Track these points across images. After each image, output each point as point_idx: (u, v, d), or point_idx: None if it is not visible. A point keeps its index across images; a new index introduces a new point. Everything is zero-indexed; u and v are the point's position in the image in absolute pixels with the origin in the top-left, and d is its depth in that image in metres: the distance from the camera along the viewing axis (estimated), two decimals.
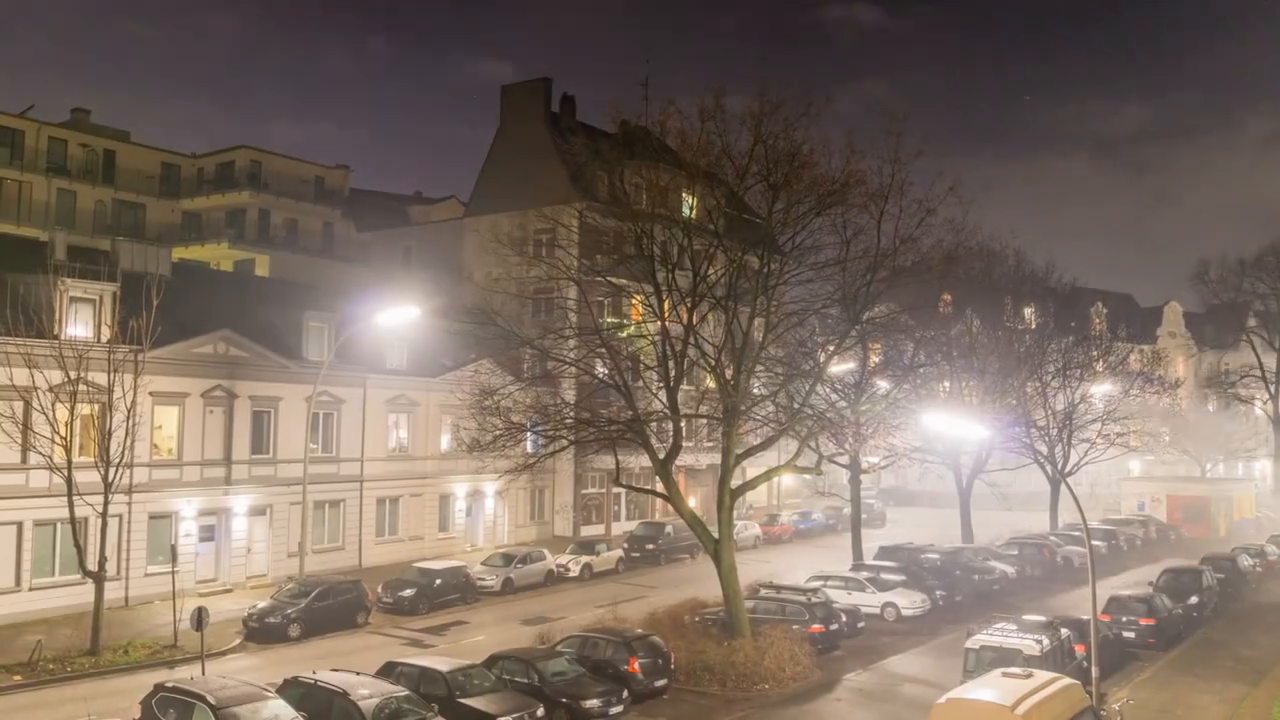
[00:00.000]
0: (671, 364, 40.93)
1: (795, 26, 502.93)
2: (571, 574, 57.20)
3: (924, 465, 67.48)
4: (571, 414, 43.91)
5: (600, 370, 45.10)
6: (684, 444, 43.29)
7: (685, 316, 40.65)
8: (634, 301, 46.74)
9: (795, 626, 40.05)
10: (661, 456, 41.11)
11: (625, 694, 32.83)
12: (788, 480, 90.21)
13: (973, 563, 56.45)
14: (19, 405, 39.92)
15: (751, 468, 58.17)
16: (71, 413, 37.91)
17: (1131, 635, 42.27)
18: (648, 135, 43.27)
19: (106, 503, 38.56)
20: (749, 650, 37.00)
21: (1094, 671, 31.21)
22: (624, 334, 48.48)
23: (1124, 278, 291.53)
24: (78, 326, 44.64)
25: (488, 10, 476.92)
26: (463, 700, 29.93)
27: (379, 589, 48.34)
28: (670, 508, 45.99)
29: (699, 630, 40.13)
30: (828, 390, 51.66)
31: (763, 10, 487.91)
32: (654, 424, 44.08)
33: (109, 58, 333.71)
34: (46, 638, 38.47)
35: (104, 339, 42.86)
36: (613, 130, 44.65)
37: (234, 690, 26.87)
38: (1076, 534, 64.51)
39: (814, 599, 43.06)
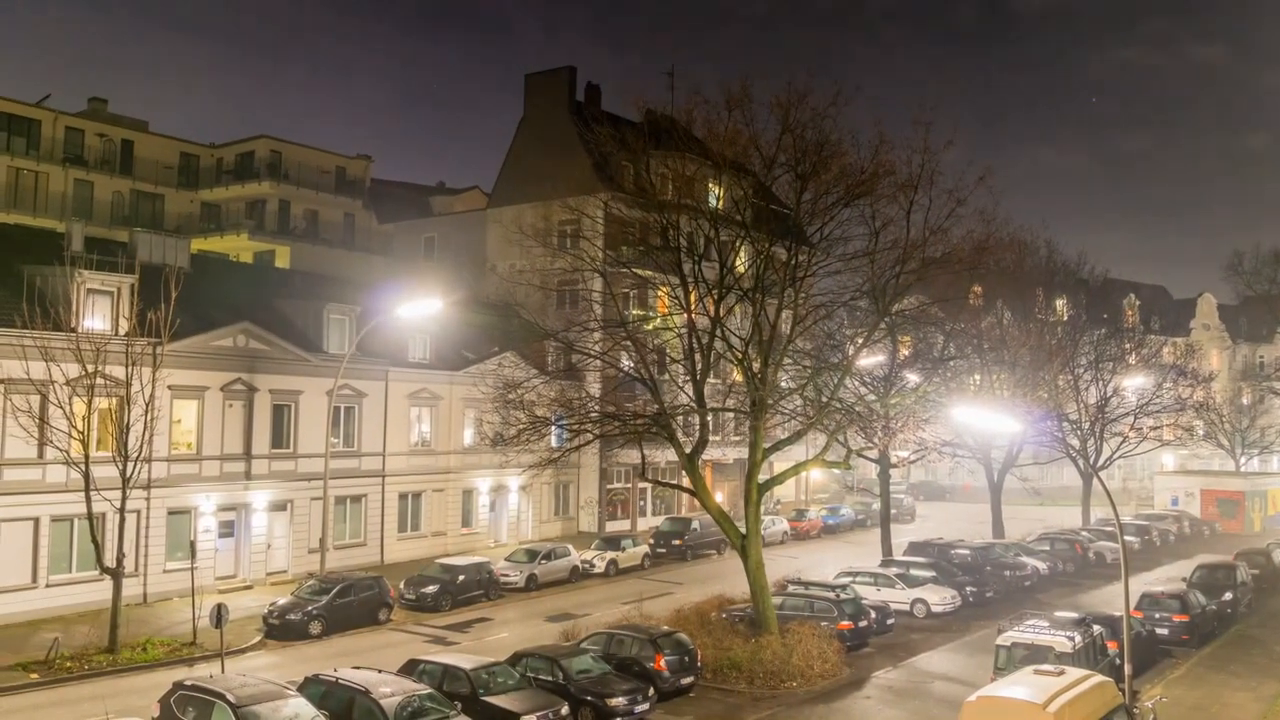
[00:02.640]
0: (698, 357, 40.66)
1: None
2: (596, 570, 56.73)
3: (954, 459, 67.07)
4: (596, 408, 43.69)
5: (626, 363, 44.91)
6: (711, 438, 43.04)
7: (712, 309, 40.33)
8: (660, 293, 46.51)
9: (824, 623, 39.80)
10: (688, 451, 40.64)
11: (651, 692, 32.51)
12: (816, 475, 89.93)
13: (1004, 558, 56.07)
14: (36, 399, 39.51)
15: (779, 462, 57.81)
16: (89, 406, 37.41)
17: (1165, 632, 41.80)
18: (674, 125, 42.80)
19: (124, 498, 38.12)
20: (776, 647, 36.68)
21: (1127, 669, 30.92)
22: (650, 326, 48.32)
23: (1157, 269, 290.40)
24: (95, 319, 44.24)
25: None
26: (486, 698, 29.61)
27: (401, 585, 47.90)
28: (697, 503, 45.56)
29: (726, 627, 39.84)
30: (856, 383, 51.34)
31: None
32: (680, 418, 43.79)
33: (127, 46, 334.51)
34: (64, 635, 38.15)
35: (122, 331, 42.66)
36: (638, 119, 44.28)
37: (254, 688, 26.50)
38: (1109, 529, 64.28)
39: (842, 595, 42.74)
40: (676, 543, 63.24)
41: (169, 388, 45.66)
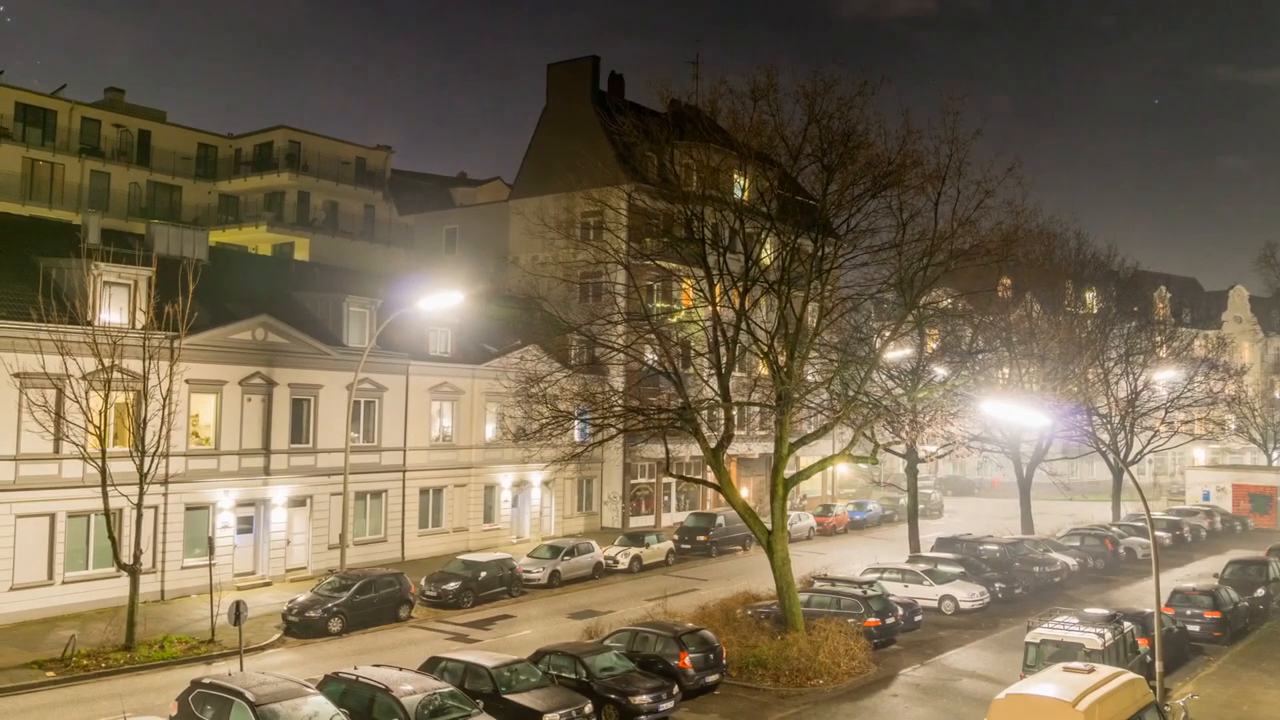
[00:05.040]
0: (723, 350, 40.47)
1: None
2: (620, 566, 56.32)
3: (983, 454, 66.82)
4: (620, 402, 43.46)
5: (650, 357, 44.85)
6: (736, 432, 42.85)
7: (737, 301, 40.00)
8: (684, 286, 46.20)
9: (850, 620, 39.52)
10: (713, 445, 40.42)
11: (676, 690, 32.26)
12: (843, 470, 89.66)
13: (1033, 554, 55.63)
14: (51, 393, 39.23)
15: (805, 457, 57.52)
16: (105, 401, 37.15)
17: (1196, 629, 41.54)
18: (698, 115, 42.43)
19: (141, 493, 37.81)
20: (803, 644, 36.38)
21: (1158, 666, 30.82)
22: (674, 319, 48.15)
23: (1188, 261, 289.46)
24: (112, 312, 43.87)
25: None
26: (508, 696, 29.40)
27: (422, 582, 47.63)
28: (722, 498, 45.24)
29: (751, 624, 39.58)
30: (884, 377, 51.06)
31: None
32: (705, 412, 43.62)
33: (144, 36, 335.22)
34: (80, 633, 38.00)
35: (139, 325, 42.28)
36: (662, 110, 44.01)
37: (273, 686, 26.31)
38: (1139, 524, 63.72)
39: (870, 592, 42.42)
40: (701, 538, 62.92)
41: (187, 382, 45.35)
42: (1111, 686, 23.63)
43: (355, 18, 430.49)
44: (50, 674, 34.52)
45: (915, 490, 58.77)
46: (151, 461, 37.82)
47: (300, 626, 41.42)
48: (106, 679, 34.65)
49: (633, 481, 72.70)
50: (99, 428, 36.91)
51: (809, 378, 44.06)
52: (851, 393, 42.86)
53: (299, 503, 52.20)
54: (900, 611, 42.23)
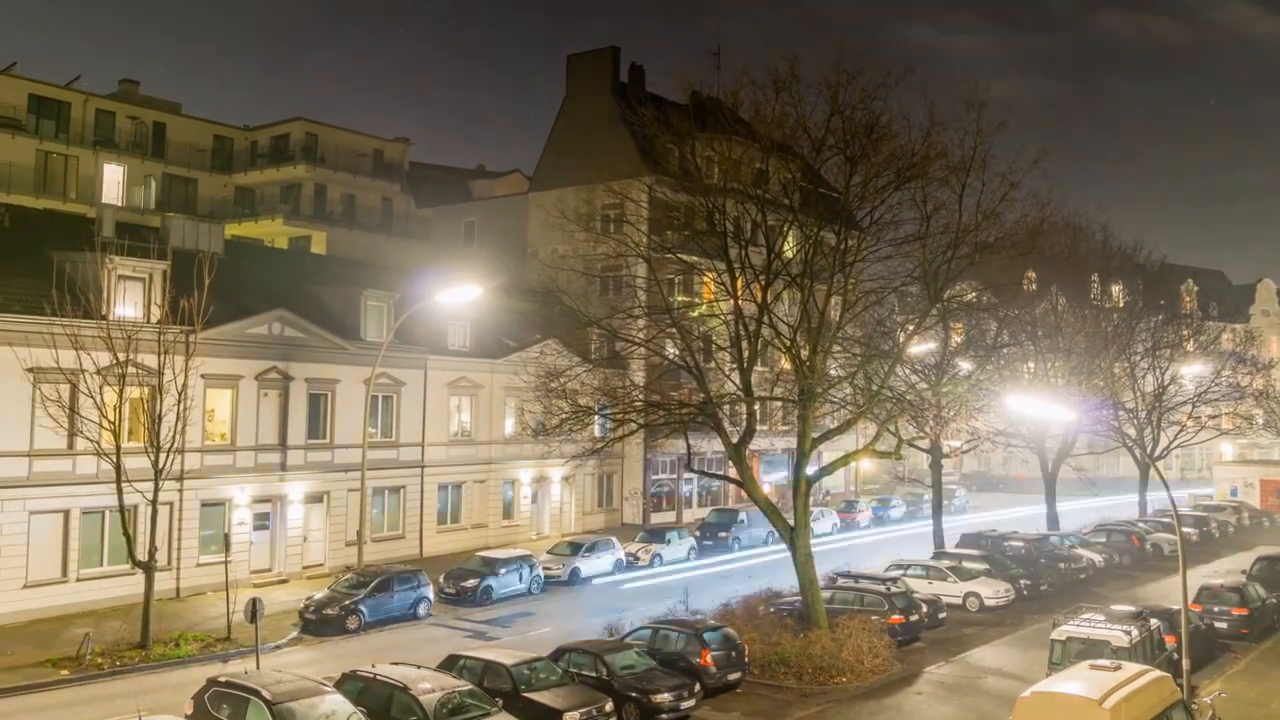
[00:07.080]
0: (745, 344, 40.18)
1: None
2: (641, 563, 55.99)
3: (1008, 449, 66.25)
4: (641, 396, 43.30)
5: (671, 351, 44.70)
6: (758, 428, 42.46)
7: (759, 295, 39.69)
8: (706, 279, 46.04)
9: (874, 617, 39.11)
10: (735, 440, 40.14)
11: (697, 687, 32.00)
12: (866, 465, 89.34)
13: (1058, 550, 55.24)
14: (65, 389, 38.98)
15: (828, 452, 57.02)
16: (120, 396, 36.90)
17: (1224, 626, 41.18)
18: (720, 106, 42.20)
19: (157, 490, 37.52)
20: (826, 642, 36.05)
21: (1185, 664, 30.42)
22: (695, 313, 48.09)
23: (1215, 253, 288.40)
24: (126, 306, 43.53)
25: None
26: (528, 694, 29.15)
27: (441, 579, 47.47)
28: (744, 494, 44.65)
29: (774, 621, 39.36)
30: (907, 371, 50.59)
31: None
32: (727, 407, 43.35)
33: (159, 27, 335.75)
34: (94, 630, 37.55)
35: (154, 319, 42.21)
36: (683, 101, 43.85)
37: (290, 685, 26.08)
38: (1166, 520, 63.33)
39: (893, 588, 42.10)
40: (723, 535, 62.72)
41: (202, 377, 45.11)
42: (1138, 684, 23.31)
43: (373, 9, 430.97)
44: (64, 672, 34.30)
45: (939, 486, 58.27)
46: (167, 457, 37.55)
47: (317, 624, 41.25)
48: (121, 677, 34.47)
49: (653, 477, 72.42)
50: (113, 423, 36.64)
51: (832, 372, 43.88)
52: (875, 387, 42.46)
53: (316, 499, 51.96)
54: (924, 608, 41.90)
